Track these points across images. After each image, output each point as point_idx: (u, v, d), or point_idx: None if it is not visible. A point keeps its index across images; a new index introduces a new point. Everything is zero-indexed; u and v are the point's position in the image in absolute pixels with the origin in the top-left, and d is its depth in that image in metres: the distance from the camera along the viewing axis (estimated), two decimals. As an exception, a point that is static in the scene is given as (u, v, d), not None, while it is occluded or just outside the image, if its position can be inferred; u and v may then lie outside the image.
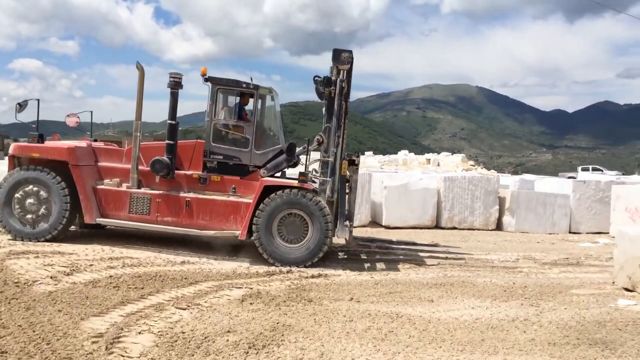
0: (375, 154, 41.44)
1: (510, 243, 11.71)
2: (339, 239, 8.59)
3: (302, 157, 8.86)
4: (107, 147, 9.25)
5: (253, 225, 8.04)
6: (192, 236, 8.56)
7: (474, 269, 8.55)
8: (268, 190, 8.12)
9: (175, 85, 8.49)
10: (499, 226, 14.01)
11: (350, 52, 8.17)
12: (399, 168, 28.45)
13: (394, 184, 13.53)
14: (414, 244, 10.61)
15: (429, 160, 35.29)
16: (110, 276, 6.41)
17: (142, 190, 8.48)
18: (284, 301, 5.88)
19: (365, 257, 9.18)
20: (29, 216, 8.35)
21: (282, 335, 4.70)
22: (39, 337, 4.28)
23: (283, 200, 8.01)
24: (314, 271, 7.65)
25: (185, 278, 6.60)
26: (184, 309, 5.32)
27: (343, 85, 8.26)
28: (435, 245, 10.66)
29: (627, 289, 7.00)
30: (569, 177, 27.05)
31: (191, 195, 8.38)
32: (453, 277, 7.85)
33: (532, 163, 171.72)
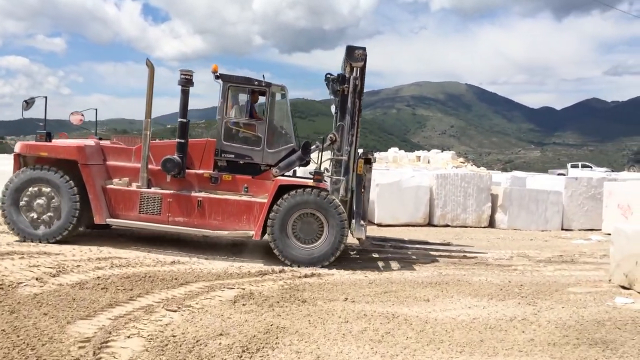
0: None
1: (503, 241, 11.64)
2: (353, 239, 8.42)
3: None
4: (115, 145, 9.05)
5: (267, 226, 7.89)
6: (205, 236, 8.42)
7: (468, 267, 8.46)
8: (281, 190, 7.97)
9: (187, 82, 8.31)
10: (491, 223, 13.95)
11: (364, 49, 8.06)
12: (389, 165, 28.39)
13: (386, 181, 13.43)
14: (427, 242, 10.55)
15: (419, 158, 35.32)
16: (98, 277, 6.23)
17: (153, 189, 8.28)
18: (278, 302, 5.74)
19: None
20: (37, 217, 8.13)
21: (277, 338, 4.56)
22: (24, 342, 4.10)
23: (298, 200, 7.85)
24: (307, 270, 7.52)
25: (176, 279, 6.43)
26: (175, 311, 5.16)
27: (357, 83, 8.16)
28: (448, 244, 10.62)
29: (623, 287, 6.93)
30: (559, 174, 27.15)
31: (203, 194, 8.20)
32: (448, 275, 7.74)
33: (521, 160, 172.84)
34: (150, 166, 8.33)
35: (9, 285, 5.65)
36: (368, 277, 7.42)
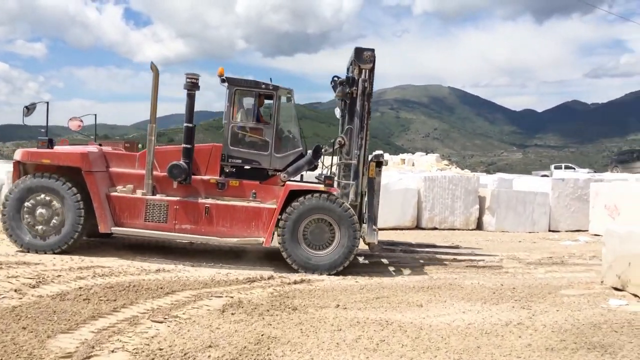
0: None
1: (492, 243, 11.59)
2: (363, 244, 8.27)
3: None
4: (118, 151, 8.81)
5: (278, 232, 7.72)
6: (214, 244, 8.25)
7: (459, 271, 8.37)
8: (291, 195, 7.80)
9: (192, 86, 8.10)
10: (479, 226, 13.92)
11: (373, 50, 7.97)
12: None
13: (374, 184, 13.29)
14: (434, 246, 10.46)
15: (403, 161, 35.30)
16: (80, 288, 5.99)
17: (159, 196, 8.04)
18: (268, 310, 5.56)
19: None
20: (39, 227, 7.85)
21: (268, 349, 4.38)
22: (1, 359, 3.88)
23: (310, 205, 7.69)
24: (297, 277, 7.35)
25: (161, 288, 6.22)
26: (161, 323, 4.95)
27: (366, 85, 8.05)
28: (456, 246, 10.55)
29: (616, 289, 6.87)
30: (542, 175, 27.29)
31: (210, 201, 7.98)
32: (439, 279, 7.64)
33: (504, 162, 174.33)
34: (154, 172, 8.11)
35: (-15, 298, 5.40)
36: (359, 282, 7.28)
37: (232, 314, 5.35)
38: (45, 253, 7.76)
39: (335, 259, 7.71)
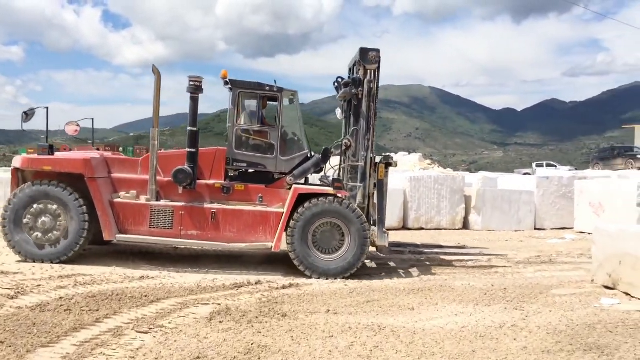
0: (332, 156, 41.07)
1: (479, 242, 11.55)
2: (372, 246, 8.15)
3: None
4: (119, 157, 8.57)
5: (288, 236, 7.57)
6: (221, 250, 8.09)
7: (449, 272, 8.29)
8: (300, 199, 7.65)
9: (196, 89, 7.90)
10: (465, 225, 13.89)
11: (378, 50, 7.89)
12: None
13: (359, 185, 13.19)
14: (440, 246, 10.41)
15: (387, 161, 35.21)
16: (61, 298, 5.75)
17: (163, 202, 7.82)
18: (256, 317, 5.39)
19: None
20: (41, 236, 7.58)
21: (259, 359, 4.23)
22: (-24, 377, 3.68)
23: (320, 209, 7.56)
24: (285, 281, 7.20)
25: (146, 296, 6.01)
26: (146, 333, 4.76)
27: (371, 86, 7.96)
28: (463, 247, 10.51)
29: (607, 287, 6.83)
30: (525, 174, 27.43)
31: (217, 206, 7.79)
32: (430, 281, 7.55)
33: (485, 161, 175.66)
34: (157, 177, 7.89)
35: (-40, 311, 5.16)
36: (348, 285, 7.15)
37: (220, 322, 5.18)
38: (49, 262, 7.53)
39: (345, 262, 7.60)
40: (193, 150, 7.90)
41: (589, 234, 11.21)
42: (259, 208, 7.84)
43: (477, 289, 6.95)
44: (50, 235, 7.61)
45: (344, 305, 6.05)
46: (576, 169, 32.18)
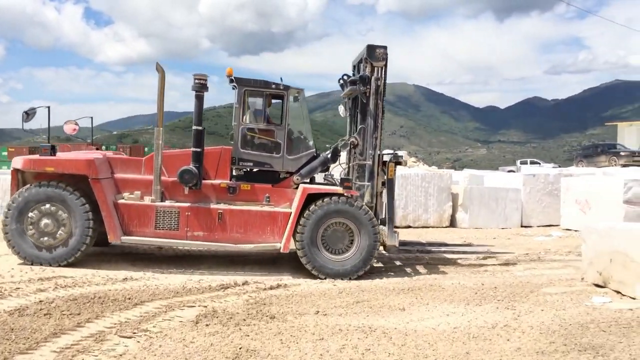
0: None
1: (467, 241, 11.48)
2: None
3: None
4: (122, 157, 8.36)
5: (297, 237, 7.42)
6: (229, 252, 7.99)
7: (438, 270, 8.20)
8: (308, 199, 7.51)
9: (201, 87, 7.73)
10: (452, 223, 13.84)
11: (385, 47, 7.80)
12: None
13: (346, 183, 13.08)
14: (446, 244, 10.33)
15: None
16: (40, 301, 5.56)
17: (169, 203, 7.63)
18: (244, 319, 5.25)
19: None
20: (44, 238, 7.35)
21: (248, 364, 4.09)
22: (-51, 387, 3.49)
23: (330, 209, 7.42)
24: (272, 282, 7.06)
25: (129, 298, 5.83)
26: (130, 338, 4.59)
27: (379, 84, 7.87)
28: (469, 244, 10.48)
29: (597, 285, 6.79)
30: (509, 171, 27.53)
31: (223, 206, 7.62)
32: (419, 280, 7.46)
33: (469, 158, 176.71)
34: (162, 178, 7.69)
35: None
36: (337, 285, 7.03)
37: (207, 325, 5.02)
38: (53, 265, 7.31)
39: (355, 263, 7.50)
40: (199, 149, 7.73)
41: (576, 231, 11.25)
42: (267, 208, 7.69)
43: (468, 288, 6.87)
44: (53, 237, 7.39)
45: (333, 306, 5.94)
46: (559, 166, 32.41)
